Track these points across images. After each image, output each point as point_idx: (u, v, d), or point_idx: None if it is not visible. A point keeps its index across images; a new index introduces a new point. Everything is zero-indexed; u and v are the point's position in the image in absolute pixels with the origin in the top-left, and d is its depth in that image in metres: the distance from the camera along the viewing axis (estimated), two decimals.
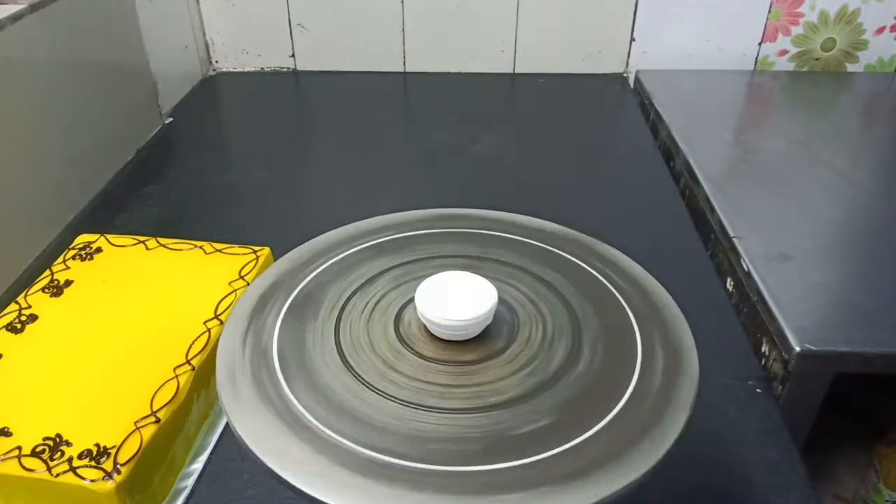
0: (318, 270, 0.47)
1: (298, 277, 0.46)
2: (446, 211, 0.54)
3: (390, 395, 0.38)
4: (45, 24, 0.71)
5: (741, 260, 0.68)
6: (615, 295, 0.45)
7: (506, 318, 0.43)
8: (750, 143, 0.92)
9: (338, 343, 0.41)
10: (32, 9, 0.69)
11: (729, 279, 0.70)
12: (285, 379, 0.38)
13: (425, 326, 0.41)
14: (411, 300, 0.43)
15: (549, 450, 0.34)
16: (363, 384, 0.38)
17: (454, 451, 0.35)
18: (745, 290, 0.66)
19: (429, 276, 0.42)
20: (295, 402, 0.37)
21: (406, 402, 0.37)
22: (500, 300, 0.41)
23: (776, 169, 0.86)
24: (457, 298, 0.41)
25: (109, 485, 0.41)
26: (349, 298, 0.44)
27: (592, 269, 0.47)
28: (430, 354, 0.40)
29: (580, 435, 0.35)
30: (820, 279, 0.65)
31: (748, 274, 0.66)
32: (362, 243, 0.49)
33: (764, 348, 0.62)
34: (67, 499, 0.41)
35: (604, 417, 0.36)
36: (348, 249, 0.49)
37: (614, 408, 0.36)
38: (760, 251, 0.68)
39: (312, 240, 0.50)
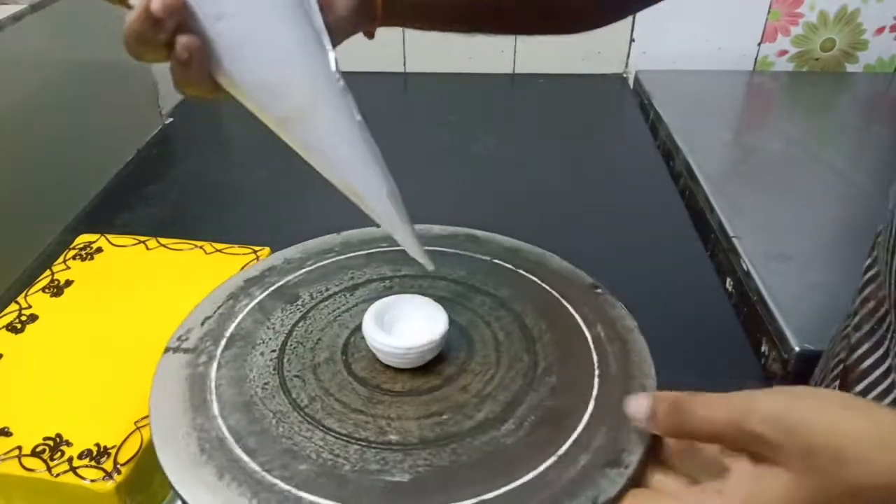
0: (272, 288, 0.45)
1: (244, 301, 0.44)
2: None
3: (339, 433, 0.35)
4: (45, 24, 0.71)
5: (741, 260, 0.68)
6: (570, 312, 0.43)
7: (459, 341, 0.41)
8: (750, 144, 0.92)
9: (280, 374, 0.39)
10: (32, 9, 0.69)
11: (729, 279, 0.70)
12: (222, 416, 0.36)
13: (374, 354, 0.39)
14: (358, 327, 0.41)
15: (505, 485, 0.32)
16: (309, 422, 0.36)
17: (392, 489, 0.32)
18: (745, 290, 0.66)
19: (375, 300, 0.40)
20: (231, 441, 0.35)
21: (358, 439, 0.35)
22: (452, 321, 0.39)
23: (776, 169, 0.86)
24: (406, 324, 0.39)
25: (109, 485, 0.40)
26: (294, 326, 0.42)
27: (543, 281, 0.45)
28: (379, 383, 0.38)
29: (536, 468, 0.33)
30: (820, 279, 0.65)
31: (748, 274, 0.66)
32: (307, 266, 0.47)
33: (764, 348, 0.62)
34: (67, 499, 0.41)
35: (561, 446, 0.34)
36: (288, 275, 0.46)
37: (570, 436, 0.35)
38: (760, 251, 0.68)
39: (253, 266, 0.48)
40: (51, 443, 0.42)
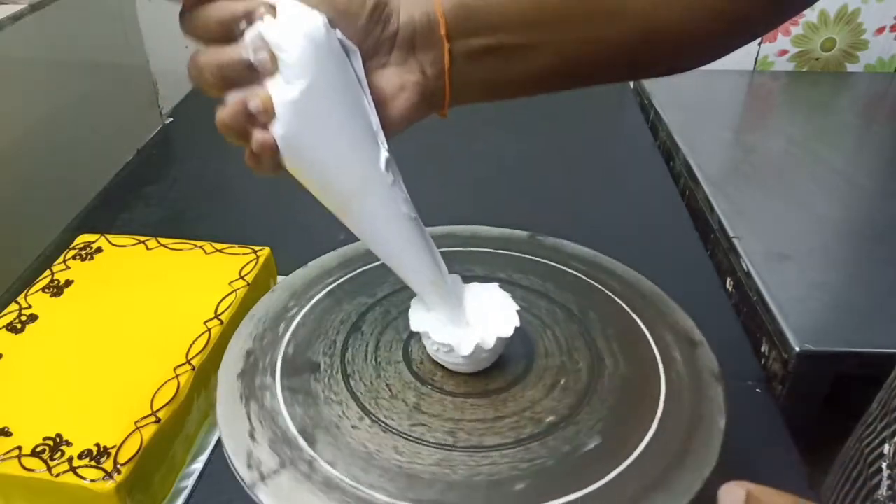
0: (317, 297, 0.45)
1: (297, 308, 0.44)
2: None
3: (419, 439, 0.35)
4: (45, 24, 0.71)
5: (741, 260, 0.68)
6: (613, 298, 0.44)
7: (522, 347, 0.40)
8: (750, 143, 0.92)
9: (347, 380, 0.39)
10: (32, 9, 0.69)
11: (729, 279, 0.70)
12: (303, 438, 0.36)
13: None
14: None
15: (604, 475, 0.33)
16: (386, 428, 0.36)
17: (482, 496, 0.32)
18: (745, 290, 0.66)
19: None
20: (318, 459, 0.34)
21: (436, 443, 0.35)
22: (518, 328, 0.39)
23: (776, 169, 0.86)
24: (475, 318, 0.38)
25: (109, 485, 0.40)
26: (358, 319, 0.42)
27: (617, 296, 0.45)
28: (436, 381, 0.38)
29: (631, 453, 0.33)
30: (819, 279, 0.65)
31: (748, 274, 0.66)
32: (356, 269, 0.47)
33: (764, 348, 0.62)
34: (67, 499, 0.41)
35: (608, 474, 0.33)
36: (345, 275, 0.46)
37: (653, 419, 0.35)
38: (760, 251, 0.68)
39: (301, 269, 0.48)
40: (51, 443, 0.42)
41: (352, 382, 0.38)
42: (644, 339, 0.42)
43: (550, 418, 0.36)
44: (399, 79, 0.34)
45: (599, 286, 0.45)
